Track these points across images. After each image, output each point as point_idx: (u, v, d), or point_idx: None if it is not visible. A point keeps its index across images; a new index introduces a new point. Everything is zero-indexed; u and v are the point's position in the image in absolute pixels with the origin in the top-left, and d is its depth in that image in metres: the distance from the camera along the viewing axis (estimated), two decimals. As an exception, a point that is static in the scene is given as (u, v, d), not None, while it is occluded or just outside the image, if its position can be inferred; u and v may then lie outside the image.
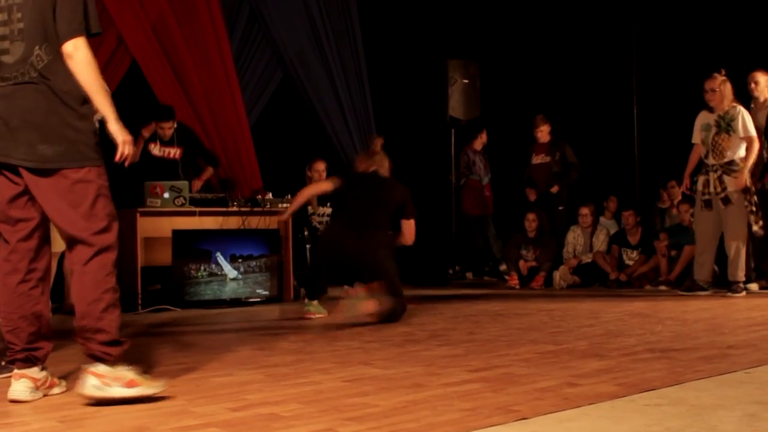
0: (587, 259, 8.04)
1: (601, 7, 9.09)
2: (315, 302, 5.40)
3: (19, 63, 2.69)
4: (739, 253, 6.28)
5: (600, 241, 8.05)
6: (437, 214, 9.07)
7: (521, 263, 8.15)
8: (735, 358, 3.28)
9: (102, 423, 2.42)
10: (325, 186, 5.80)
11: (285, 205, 6.73)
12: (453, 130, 8.92)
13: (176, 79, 7.67)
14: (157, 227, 6.27)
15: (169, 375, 3.02)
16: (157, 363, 3.43)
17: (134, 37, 7.38)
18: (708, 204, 6.39)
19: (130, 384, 2.64)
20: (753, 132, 6.26)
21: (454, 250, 8.95)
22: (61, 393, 2.85)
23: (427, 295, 6.93)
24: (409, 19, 9.60)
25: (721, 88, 6.35)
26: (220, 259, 6.33)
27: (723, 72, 6.39)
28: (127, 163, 2.77)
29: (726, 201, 6.28)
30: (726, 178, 6.29)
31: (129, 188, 6.07)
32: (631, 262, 7.81)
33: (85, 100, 2.73)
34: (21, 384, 2.73)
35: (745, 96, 6.61)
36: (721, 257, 6.49)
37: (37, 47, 2.68)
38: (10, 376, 2.82)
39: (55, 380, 2.87)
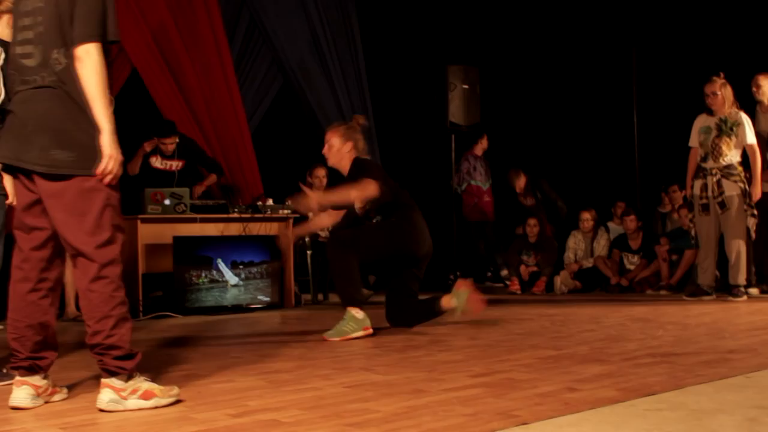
0: (588, 263, 8.05)
1: (601, 14, 9.11)
2: (362, 314, 4.54)
3: (39, 67, 2.68)
4: (740, 258, 6.29)
5: (601, 246, 8.06)
6: (438, 219, 9.05)
7: (522, 268, 8.16)
8: (736, 362, 3.28)
9: (103, 430, 2.42)
10: (372, 190, 4.56)
11: (285, 211, 6.74)
12: (453, 136, 8.93)
13: (177, 86, 7.70)
14: (158, 234, 6.27)
15: (170, 381, 3.02)
16: (159, 369, 3.43)
17: (134, 45, 7.40)
18: (705, 208, 6.40)
19: (146, 395, 2.66)
20: (754, 140, 6.29)
21: (454, 256, 8.94)
22: (62, 400, 2.85)
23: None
24: (409, 25, 9.63)
25: (722, 91, 6.37)
26: (221, 265, 6.34)
27: (722, 75, 6.41)
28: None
29: (722, 205, 6.29)
30: (724, 181, 6.31)
31: (129, 196, 6.07)
32: (632, 267, 7.82)
33: None
34: (22, 391, 2.73)
35: (744, 99, 6.62)
36: (722, 261, 6.49)
37: (55, 50, 2.66)
38: (11, 384, 2.82)
39: (57, 388, 2.87)
